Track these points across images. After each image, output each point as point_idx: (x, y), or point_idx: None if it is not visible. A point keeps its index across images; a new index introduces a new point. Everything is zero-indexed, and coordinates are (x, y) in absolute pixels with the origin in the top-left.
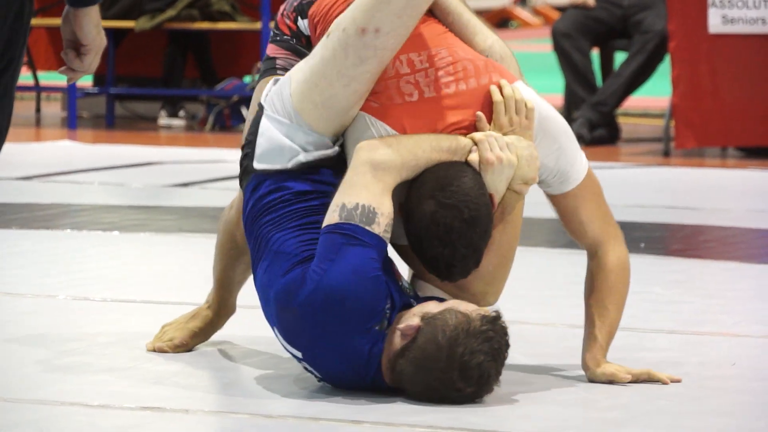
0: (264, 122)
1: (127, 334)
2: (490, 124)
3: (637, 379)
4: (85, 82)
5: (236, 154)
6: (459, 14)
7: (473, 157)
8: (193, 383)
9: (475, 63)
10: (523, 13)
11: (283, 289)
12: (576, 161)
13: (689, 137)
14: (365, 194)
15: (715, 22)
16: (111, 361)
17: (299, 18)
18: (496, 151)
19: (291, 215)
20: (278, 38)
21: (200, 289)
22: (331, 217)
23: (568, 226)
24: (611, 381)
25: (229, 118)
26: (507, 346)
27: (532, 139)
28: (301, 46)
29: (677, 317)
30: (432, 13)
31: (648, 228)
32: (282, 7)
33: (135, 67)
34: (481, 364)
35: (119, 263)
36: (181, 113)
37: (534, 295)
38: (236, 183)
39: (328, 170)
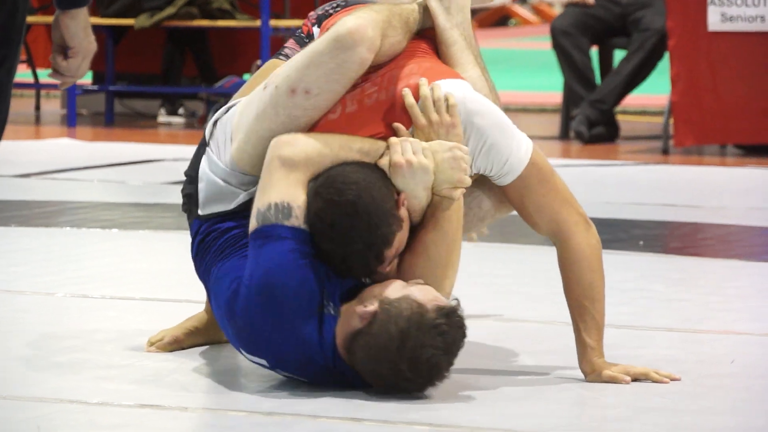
0: (203, 166)
1: (125, 331)
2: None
3: (636, 380)
4: (85, 79)
5: None
6: (448, 45)
7: (383, 161)
8: (192, 381)
9: (405, 68)
10: (522, 10)
11: (226, 305)
12: (511, 154)
13: (688, 135)
14: (275, 192)
15: (714, 20)
16: (110, 358)
17: (316, 26)
18: (407, 155)
19: (223, 246)
20: (296, 34)
21: (198, 286)
22: (252, 224)
23: (522, 218)
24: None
25: None
26: (462, 337)
27: (460, 138)
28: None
29: (676, 315)
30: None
31: (647, 226)
32: (310, 13)
33: (134, 65)
34: (430, 359)
35: (118, 261)
36: (181, 111)
37: (533, 292)
38: None
39: None
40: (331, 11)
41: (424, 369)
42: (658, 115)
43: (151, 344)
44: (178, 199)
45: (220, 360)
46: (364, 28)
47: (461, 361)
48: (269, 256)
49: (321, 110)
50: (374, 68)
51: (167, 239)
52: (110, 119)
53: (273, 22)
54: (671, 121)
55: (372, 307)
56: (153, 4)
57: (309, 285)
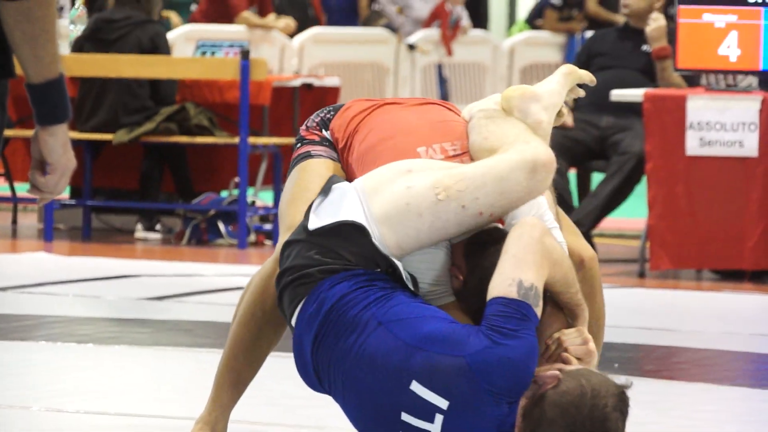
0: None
1: None
2: None
3: None
4: (63, 194)
5: (212, 268)
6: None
7: None
8: None
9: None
10: None
11: (445, 337)
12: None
13: (664, 258)
14: (535, 275)
15: (692, 144)
16: None
17: (323, 129)
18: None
19: (388, 298)
20: (304, 140)
21: (174, 402)
22: (507, 290)
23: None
24: None
25: (205, 232)
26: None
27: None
28: (329, 145)
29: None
30: None
31: (622, 348)
32: (305, 123)
33: (112, 180)
34: (617, 420)
35: (94, 375)
36: (158, 227)
37: None
38: (210, 297)
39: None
40: (329, 116)
41: (611, 429)
42: (634, 238)
43: None
44: (154, 314)
45: None
46: (553, 161)
47: None
48: (529, 342)
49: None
50: None
51: (142, 354)
52: (87, 234)
53: (251, 140)
54: (648, 244)
55: (553, 372)
56: (131, 119)
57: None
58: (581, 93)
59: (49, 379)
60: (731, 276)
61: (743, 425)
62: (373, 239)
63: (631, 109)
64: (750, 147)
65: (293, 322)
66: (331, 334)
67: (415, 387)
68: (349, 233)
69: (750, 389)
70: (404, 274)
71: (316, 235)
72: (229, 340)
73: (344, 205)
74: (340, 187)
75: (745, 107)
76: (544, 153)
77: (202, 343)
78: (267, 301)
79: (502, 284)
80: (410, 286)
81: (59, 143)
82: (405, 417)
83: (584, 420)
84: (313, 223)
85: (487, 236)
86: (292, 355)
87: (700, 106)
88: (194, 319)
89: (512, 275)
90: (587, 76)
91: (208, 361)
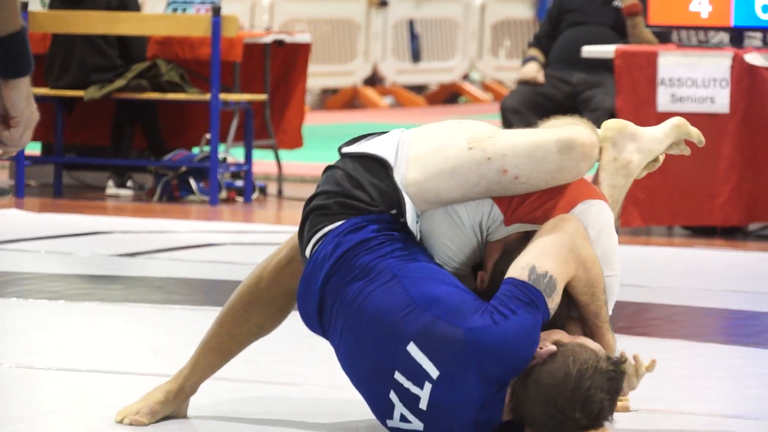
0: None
1: (71, 403)
2: None
3: None
4: (34, 150)
5: (184, 224)
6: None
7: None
8: None
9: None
10: (472, 88)
11: (454, 307)
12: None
13: (635, 215)
14: (555, 266)
15: (663, 101)
16: (55, 430)
17: None
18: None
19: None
20: None
21: (146, 358)
22: (520, 272)
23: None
24: None
25: (177, 188)
26: (622, 389)
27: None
28: None
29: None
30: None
31: None
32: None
33: (84, 136)
34: (602, 401)
35: (65, 332)
36: (129, 183)
37: None
38: (182, 254)
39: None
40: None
41: (594, 410)
42: None
43: (124, 417)
44: (126, 271)
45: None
46: (593, 147)
47: None
48: (527, 323)
49: (511, 195)
50: None
51: (114, 311)
52: (59, 190)
53: (223, 96)
54: None
55: (549, 347)
56: (103, 76)
57: (525, 366)
58: (686, 151)
59: (20, 335)
60: (702, 232)
61: (716, 381)
62: (395, 175)
63: (603, 65)
64: (721, 103)
65: (307, 253)
66: (342, 273)
67: (412, 348)
68: (372, 166)
69: (722, 345)
70: (411, 216)
71: (347, 158)
72: (224, 306)
73: (384, 141)
74: (396, 129)
75: (717, 64)
76: (586, 136)
77: (173, 300)
78: (263, 279)
79: (515, 267)
80: (416, 232)
81: (22, 96)
82: (398, 377)
83: (565, 402)
84: (351, 148)
85: (521, 246)
86: None
87: (671, 63)
88: (166, 275)
89: (528, 261)
90: (697, 136)
91: (180, 318)
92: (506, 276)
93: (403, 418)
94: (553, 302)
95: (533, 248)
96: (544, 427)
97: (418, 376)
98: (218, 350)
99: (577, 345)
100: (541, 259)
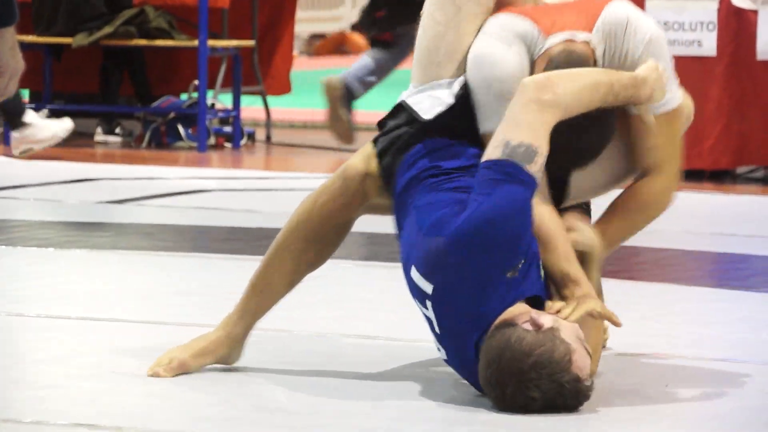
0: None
1: (61, 351)
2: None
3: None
4: (22, 98)
5: (172, 171)
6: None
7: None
8: (127, 401)
9: None
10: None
11: (437, 220)
12: (674, 89)
13: None
14: (528, 133)
15: None
16: (45, 378)
17: None
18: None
19: (440, 184)
20: None
21: (135, 306)
22: (493, 152)
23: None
24: None
25: (165, 135)
26: (575, 397)
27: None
28: None
29: (610, 339)
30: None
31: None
32: None
33: (72, 84)
34: (533, 400)
35: (54, 280)
36: (118, 130)
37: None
38: (171, 200)
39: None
40: None
41: (519, 400)
42: None
43: (158, 366)
44: (115, 218)
45: (156, 383)
46: None
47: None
48: (506, 195)
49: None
50: None
51: (104, 259)
52: None
53: (211, 42)
54: None
55: (546, 321)
56: (91, 24)
57: (524, 237)
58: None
59: (9, 283)
60: (690, 176)
61: (705, 326)
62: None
63: None
64: (708, 47)
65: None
66: (401, 212)
67: (413, 273)
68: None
69: (711, 289)
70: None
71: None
72: (270, 247)
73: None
74: None
75: (703, 7)
76: None
77: (162, 247)
78: (314, 213)
79: (488, 150)
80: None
81: (7, 46)
82: (417, 304)
83: (506, 371)
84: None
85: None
86: None
87: (658, 6)
88: (155, 222)
89: (499, 138)
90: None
91: (169, 264)
92: (482, 160)
93: (439, 350)
94: (537, 165)
95: (502, 124)
96: (482, 372)
97: (422, 298)
98: (267, 292)
99: (568, 344)
100: (512, 132)
